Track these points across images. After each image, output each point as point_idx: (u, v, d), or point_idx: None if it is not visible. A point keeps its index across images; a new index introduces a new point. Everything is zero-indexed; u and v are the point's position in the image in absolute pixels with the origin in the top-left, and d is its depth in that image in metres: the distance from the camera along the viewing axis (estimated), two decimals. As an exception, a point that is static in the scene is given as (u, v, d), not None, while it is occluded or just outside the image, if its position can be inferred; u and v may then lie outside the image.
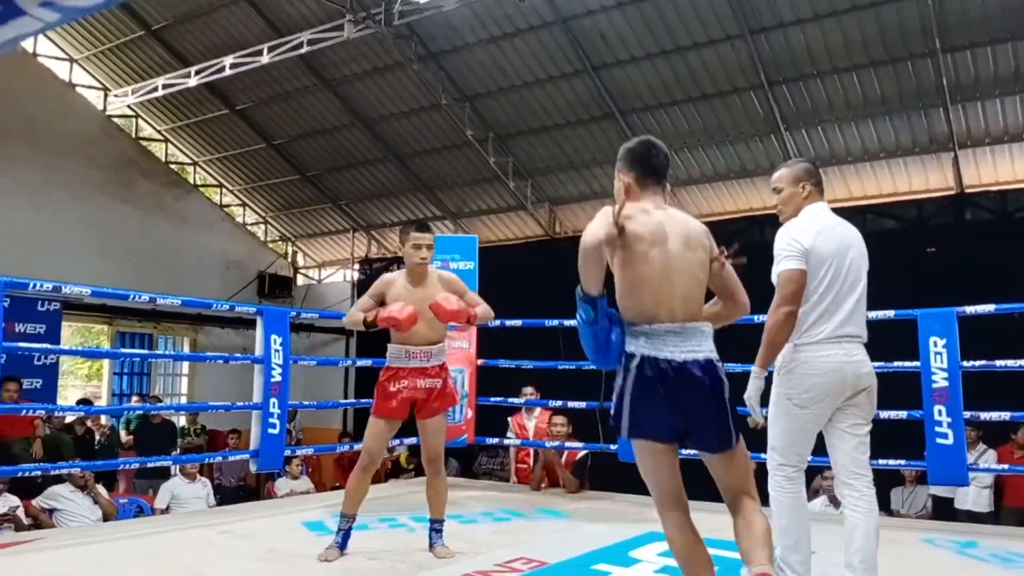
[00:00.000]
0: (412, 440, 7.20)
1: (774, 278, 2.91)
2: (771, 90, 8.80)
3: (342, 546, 3.61)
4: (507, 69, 9.65)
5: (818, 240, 2.88)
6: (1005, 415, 4.57)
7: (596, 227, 2.27)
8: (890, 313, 4.67)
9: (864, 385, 2.90)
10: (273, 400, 4.89)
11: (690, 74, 9.05)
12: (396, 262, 12.83)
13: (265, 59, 9.57)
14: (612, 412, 2.40)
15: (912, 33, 7.83)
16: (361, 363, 7.12)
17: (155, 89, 10.87)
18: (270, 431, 4.88)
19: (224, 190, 13.84)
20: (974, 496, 6.83)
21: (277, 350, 4.93)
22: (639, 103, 9.60)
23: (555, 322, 5.55)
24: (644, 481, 2.46)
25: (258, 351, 4.96)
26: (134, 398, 11.62)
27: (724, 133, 9.58)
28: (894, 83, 8.34)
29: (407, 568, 3.41)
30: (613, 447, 5.42)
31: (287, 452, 5.49)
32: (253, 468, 5.15)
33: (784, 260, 2.88)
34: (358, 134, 11.57)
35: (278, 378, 4.91)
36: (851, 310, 2.90)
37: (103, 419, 9.76)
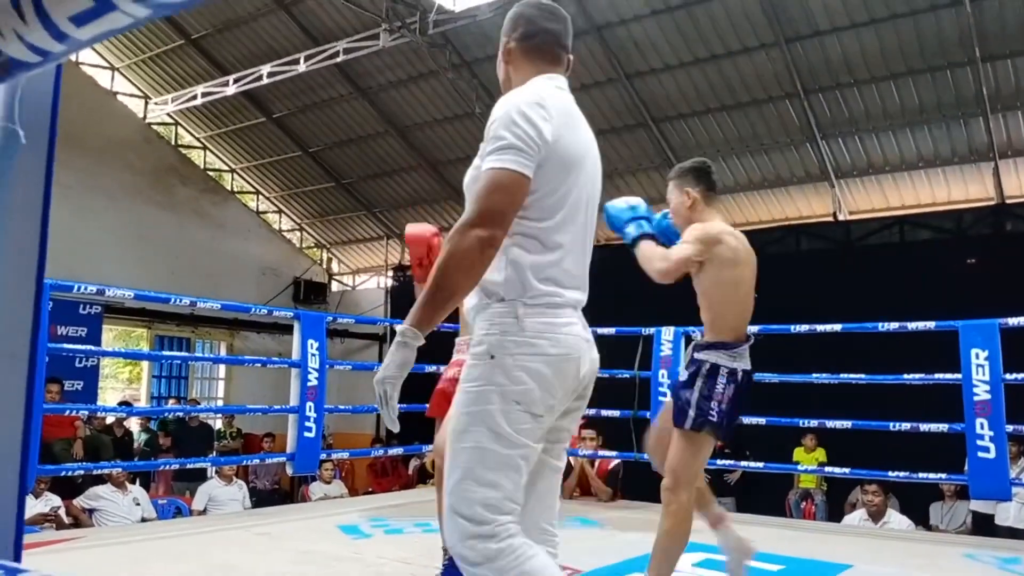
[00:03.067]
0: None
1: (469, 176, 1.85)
2: (807, 99, 8.74)
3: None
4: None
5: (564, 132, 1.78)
6: (1049, 429, 4.49)
7: (689, 250, 2.62)
8: (931, 324, 4.61)
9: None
10: (309, 404, 4.94)
11: (724, 82, 9.01)
12: (429, 269, 12.89)
13: (302, 67, 9.70)
14: (700, 413, 2.65)
15: (951, 42, 7.74)
16: (395, 369, 7.10)
17: (194, 97, 11.06)
18: (306, 435, 4.93)
19: (260, 197, 14.02)
20: (1016, 512, 6.68)
21: (314, 354, 4.98)
22: (673, 112, 9.58)
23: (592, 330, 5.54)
24: (683, 464, 2.69)
25: (295, 355, 5.02)
26: (171, 401, 11.80)
27: (759, 142, 9.53)
28: (932, 92, 8.24)
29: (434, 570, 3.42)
30: (647, 456, 5.40)
31: (322, 456, 5.54)
32: (289, 471, 5.20)
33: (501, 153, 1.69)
34: (392, 142, 11.67)
35: (314, 382, 4.96)
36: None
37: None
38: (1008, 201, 8.62)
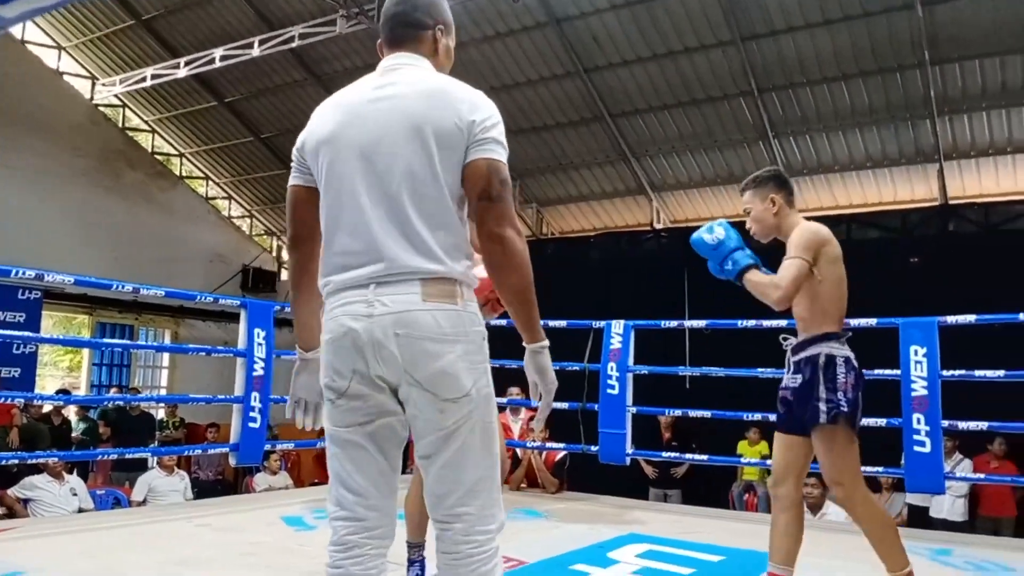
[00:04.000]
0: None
1: None
2: (761, 97, 8.85)
3: (423, 574, 2.97)
4: (499, 68, 9.65)
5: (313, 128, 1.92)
6: (983, 425, 4.61)
7: (797, 266, 2.64)
8: (872, 321, 4.71)
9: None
10: (255, 394, 4.86)
11: (681, 79, 9.09)
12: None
13: (256, 52, 9.52)
14: (832, 404, 2.58)
15: (902, 45, 7.90)
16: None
17: (143, 79, 10.80)
18: (251, 425, 4.85)
19: (210, 183, 13.77)
20: (949, 505, 6.89)
21: (260, 344, 4.90)
22: (630, 106, 9.63)
23: (541, 323, 5.55)
24: (839, 466, 2.63)
25: (241, 344, 4.93)
26: (112, 389, 11.53)
27: (713, 139, 9.63)
28: (882, 93, 8.41)
29: (390, 565, 3.39)
30: (594, 448, 5.44)
31: (266, 446, 5.46)
32: (233, 462, 5.11)
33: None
34: (347, 130, 11.51)
35: (260, 372, 4.88)
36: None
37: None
38: (951, 202, 8.84)
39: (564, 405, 5.47)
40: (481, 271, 1.79)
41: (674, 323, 5.78)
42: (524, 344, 1.81)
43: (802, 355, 2.72)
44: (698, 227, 2.90)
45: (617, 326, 5.52)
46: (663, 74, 9.11)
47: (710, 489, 7.89)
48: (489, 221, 1.71)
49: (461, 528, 1.70)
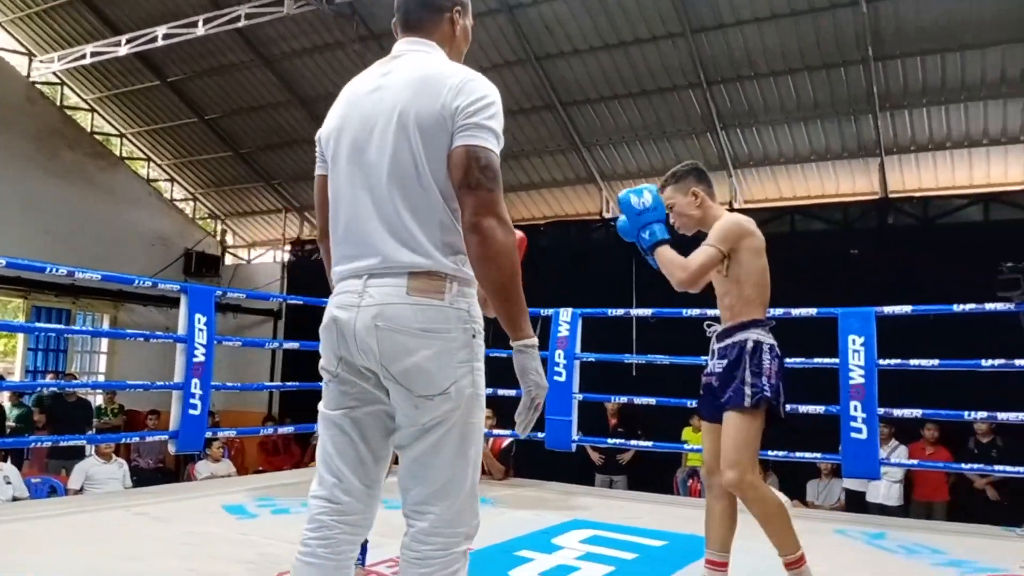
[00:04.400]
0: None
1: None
2: (709, 89, 8.94)
3: (362, 562, 3.00)
4: (449, 54, 9.56)
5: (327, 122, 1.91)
6: (917, 412, 4.76)
7: (710, 254, 2.66)
8: (812, 311, 4.81)
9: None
10: (195, 380, 4.76)
11: (632, 69, 9.13)
12: (329, 245, 12.64)
13: (200, 31, 9.29)
14: (757, 389, 2.61)
15: (846, 41, 8.04)
16: (288, 345, 7.02)
17: (83, 57, 10.46)
18: (191, 412, 4.75)
19: (152, 164, 13.43)
20: (885, 490, 7.10)
21: (201, 329, 4.80)
22: (581, 96, 9.64)
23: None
24: (742, 449, 2.61)
25: (181, 330, 4.83)
26: (48, 375, 11.21)
27: (662, 129, 9.70)
28: (827, 88, 8.56)
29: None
30: (540, 435, 5.46)
31: (208, 434, 5.36)
32: (172, 449, 5.00)
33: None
34: (295, 112, 11.34)
35: (201, 358, 4.78)
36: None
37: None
38: (891, 196, 9.06)
39: (511, 392, 5.47)
40: None
41: (621, 311, 5.82)
42: (510, 341, 1.72)
43: (728, 341, 2.74)
44: None
45: (565, 314, 5.55)
46: (614, 64, 9.13)
47: (655, 475, 7.99)
48: (467, 210, 1.65)
49: (425, 527, 1.65)
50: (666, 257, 2.71)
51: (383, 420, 1.75)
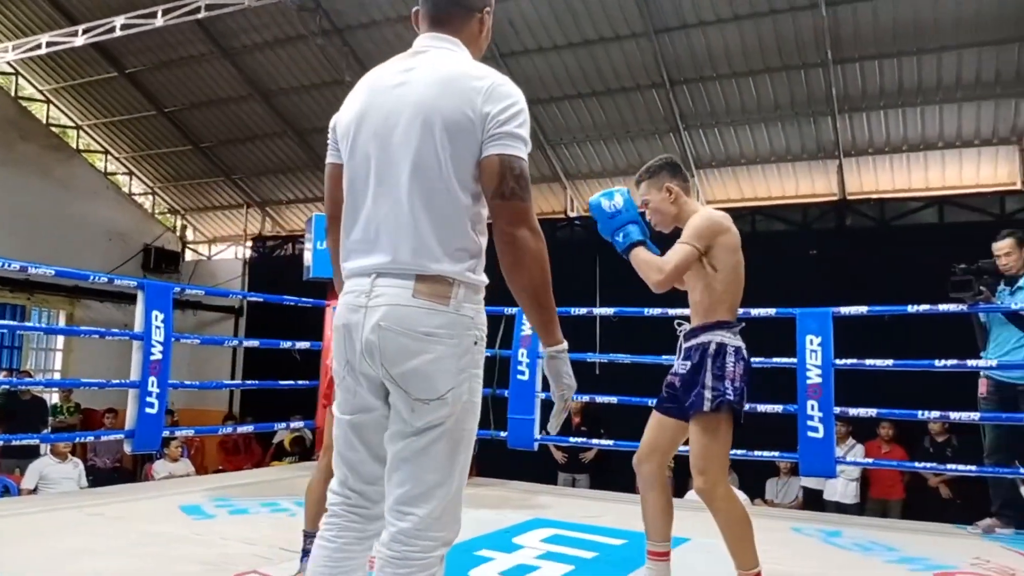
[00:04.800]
0: (298, 423, 7.08)
1: None
2: (672, 89, 9.01)
3: None
4: (414, 50, 9.51)
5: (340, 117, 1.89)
6: (872, 411, 4.84)
7: (684, 252, 2.62)
8: (771, 311, 4.87)
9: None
10: (152, 379, 4.69)
11: (596, 69, 9.16)
12: (292, 240, 12.53)
13: (159, 22, 9.11)
14: (717, 393, 2.58)
15: (806, 43, 8.15)
16: (249, 343, 6.93)
17: (38, 46, 10.17)
18: (147, 411, 4.69)
19: (110, 157, 13.18)
20: (842, 488, 7.22)
21: (158, 327, 4.73)
22: (545, 94, 9.65)
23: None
24: (710, 456, 2.61)
25: (137, 327, 4.76)
26: (2, 373, 10.94)
27: (626, 129, 9.75)
28: (787, 90, 8.67)
29: (286, 554, 3.33)
30: (503, 434, 5.46)
31: (166, 433, 5.28)
32: (128, 449, 4.92)
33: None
34: (256, 106, 11.21)
35: (158, 356, 4.71)
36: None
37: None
38: (849, 197, 9.21)
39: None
40: None
41: (583, 310, 5.84)
42: (542, 347, 1.76)
43: (693, 342, 2.71)
44: None
45: (528, 313, 5.54)
46: (578, 63, 9.16)
47: (618, 473, 8.03)
48: (501, 220, 1.64)
49: (407, 528, 1.63)
50: (641, 259, 2.66)
51: (381, 424, 1.74)
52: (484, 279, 1.74)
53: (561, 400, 1.79)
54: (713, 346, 2.65)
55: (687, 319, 2.81)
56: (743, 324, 2.76)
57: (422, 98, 1.67)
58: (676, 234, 2.77)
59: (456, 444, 1.68)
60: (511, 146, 1.65)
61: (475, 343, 1.70)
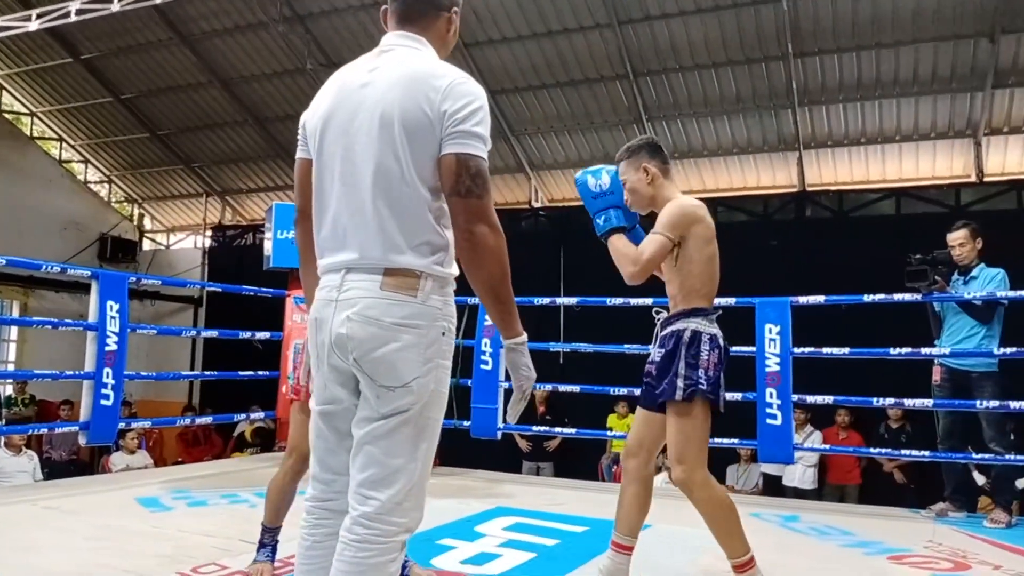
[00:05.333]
0: (259, 415, 7.01)
1: None
2: (636, 81, 9.04)
3: (272, 558, 2.88)
4: (376, 38, 9.37)
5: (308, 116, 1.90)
6: (829, 399, 4.92)
7: (659, 243, 2.57)
8: (731, 300, 4.92)
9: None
10: (107, 370, 4.61)
11: (560, 59, 9.16)
12: (253, 230, 12.37)
13: (116, 7, 8.89)
14: (690, 381, 2.54)
15: (767, 36, 8.23)
16: (207, 334, 6.84)
17: (-11, 30, 9.93)
18: (103, 402, 4.61)
19: (65, 145, 12.91)
20: (800, 474, 7.34)
21: (113, 317, 4.65)
22: (509, 84, 9.63)
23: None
24: (686, 444, 2.57)
25: (92, 317, 4.68)
26: (-48, 364, 10.70)
27: (590, 120, 9.77)
28: (749, 83, 8.75)
29: (245, 545, 3.29)
30: (466, 423, 5.46)
31: (122, 425, 5.20)
32: (83, 441, 4.84)
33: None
34: (216, 94, 11.04)
35: (113, 347, 4.63)
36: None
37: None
38: (809, 189, 9.33)
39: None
40: None
41: (546, 300, 5.86)
42: (503, 340, 1.80)
43: (668, 329, 2.67)
44: (576, 207, 2.86)
45: (491, 302, 5.54)
46: (542, 53, 9.15)
47: (581, 461, 8.10)
48: (459, 217, 1.69)
49: (368, 512, 1.66)
50: (617, 248, 2.63)
51: (352, 414, 1.77)
52: (453, 271, 1.78)
53: (520, 391, 1.82)
54: (688, 333, 2.61)
55: (665, 308, 2.78)
56: (719, 311, 2.73)
57: (384, 97, 1.71)
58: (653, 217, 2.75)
59: (420, 431, 1.71)
60: (468, 144, 1.69)
61: (443, 334, 1.74)
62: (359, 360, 1.68)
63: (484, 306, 1.77)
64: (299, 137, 1.91)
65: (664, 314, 2.75)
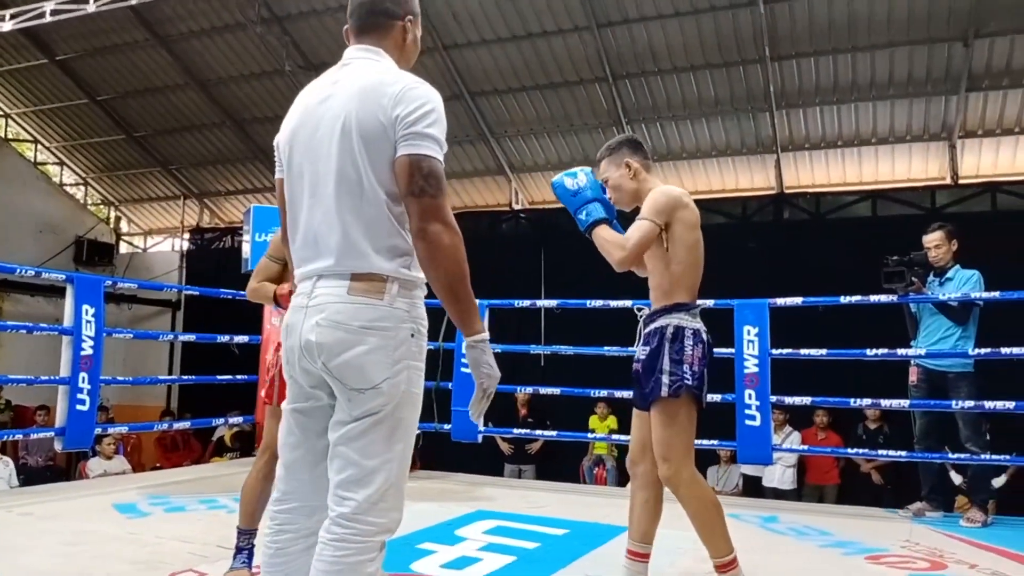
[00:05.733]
0: (237, 419, 6.95)
1: None
2: (615, 84, 9.07)
3: (248, 564, 2.85)
4: (355, 41, 9.40)
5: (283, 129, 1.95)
6: (806, 399, 4.95)
7: (645, 228, 2.56)
8: (709, 302, 4.93)
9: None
10: (83, 375, 4.56)
11: (539, 61, 9.17)
12: (231, 233, 12.28)
13: (91, 7, 8.81)
14: (675, 378, 2.52)
15: (745, 40, 8.29)
16: (184, 338, 6.78)
17: (-39, 30, 9.80)
18: (79, 407, 4.55)
19: (40, 147, 12.76)
20: (780, 475, 7.38)
21: (89, 321, 4.59)
22: (489, 86, 9.63)
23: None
24: (672, 442, 2.54)
25: (67, 322, 4.63)
26: (-75, 370, 10.53)
27: (569, 122, 9.79)
28: (727, 86, 8.81)
29: (223, 551, 3.27)
30: (447, 427, 5.45)
31: (98, 430, 5.14)
32: (59, 447, 4.77)
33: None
34: (193, 96, 10.95)
35: (89, 351, 4.58)
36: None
37: None
38: (786, 191, 9.40)
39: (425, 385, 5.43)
40: None
41: (527, 302, 5.86)
42: (463, 338, 1.81)
43: (652, 326, 2.65)
44: (556, 209, 2.86)
45: (472, 305, 5.53)
46: (522, 55, 9.16)
47: (563, 464, 8.10)
48: (414, 217, 1.71)
49: (346, 512, 1.67)
50: (602, 237, 2.60)
51: (326, 415, 1.79)
52: (421, 275, 1.79)
53: (482, 389, 1.83)
54: (671, 329, 2.59)
55: (647, 307, 2.76)
56: (702, 305, 2.71)
57: (342, 110, 1.76)
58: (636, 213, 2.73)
59: (393, 431, 1.73)
60: (419, 145, 1.72)
61: (412, 335, 1.76)
62: (327, 364, 1.71)
63: (443, 305, 1.76)
64: (276, 158, 1.97)
65: (646, 311, 2.73)
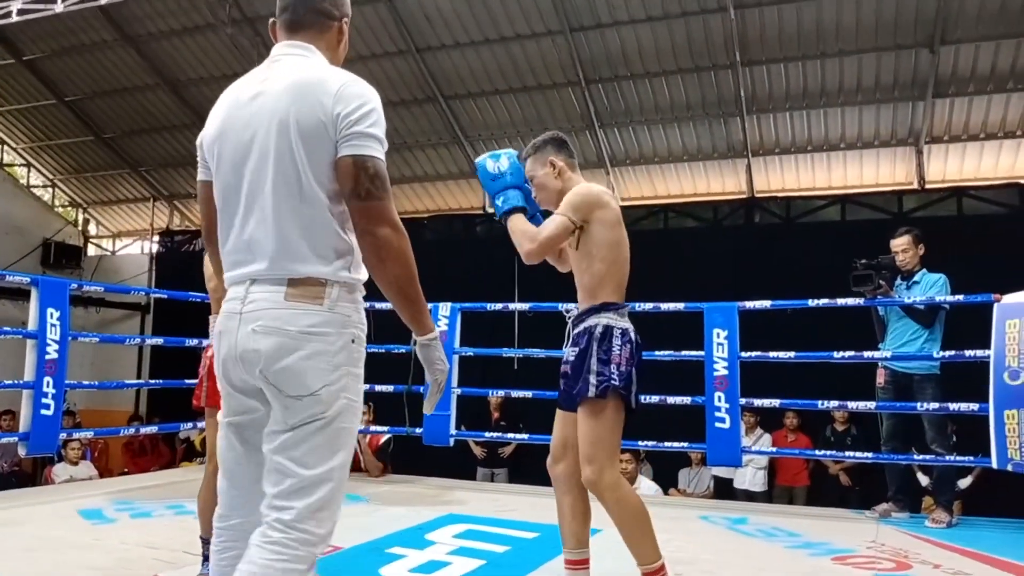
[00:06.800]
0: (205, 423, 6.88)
1: None
2: (588, 88, 9.11)
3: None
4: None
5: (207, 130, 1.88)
6: (775, 402, 5.00)
7: (559, 224, 2.53)
8: (680, 305, 4.98)
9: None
10: (48, 379, 4.49)
11: (512, 65, 9.18)
12: (200, 235, 12.16)
13: (59, 7, 8.69)
14: (602, 378, 2.49)
15: (716, 45, 8.36)
16: (152, 341, 6.70)
17: (-76, 28, 9.63)
18: (43, 412, 4.49)
19: (6, 148, 12.55)
20: (750, 476, 7.43)
21: (54, 324, 4.54)
22: (463, 89, 9.63)
23: (370, 305, 5.47)
24: (597, 444, 2.49)
25: (31, 325, 4.57)
26: None
27: (543, 126, 9.77)
28: (698, 91, 8.87)
29: (190, 558, 3.23)
30: (418, 431, 5.43)
31: (64, 435, 5.07)
32: (22, 452, 4.71)
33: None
34: (163, 96, 10.83)
35: (54, 355, 4.52)
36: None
37: None
38: (757, 195, 9.49)
39: (389, 388, 5.41)
40: None
41: (499, 306, 5.86)
42: (414, 336, 1.80)
43: (580, 327, 2.61)
44: None
45: (444, 308, 5.53)
46: (495, 59, 9.17)
47: (536, 467, 8.07)
48: (361, 220, 1.68)
49: (284, 518, 1.61)
50: (516, 226, 2.59)
51: (260, 426, 1.72)
52: (361, 277, 1.76)
53: (436, 383, 1.87)
54: (599, 329, 2.55)
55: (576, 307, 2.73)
56: (630, 306, 2.69)
57: (277, 107, 1.69)
58: None
59: (332, 440, 1.67)
60: (364, 146, 1.68)
61: (352, 341, 1.71)
62: (264, 372, 1.65)
63: (394, 306, 1.75)
64: (199, 159, 1.88)
65: (574, 311, 2.70)
